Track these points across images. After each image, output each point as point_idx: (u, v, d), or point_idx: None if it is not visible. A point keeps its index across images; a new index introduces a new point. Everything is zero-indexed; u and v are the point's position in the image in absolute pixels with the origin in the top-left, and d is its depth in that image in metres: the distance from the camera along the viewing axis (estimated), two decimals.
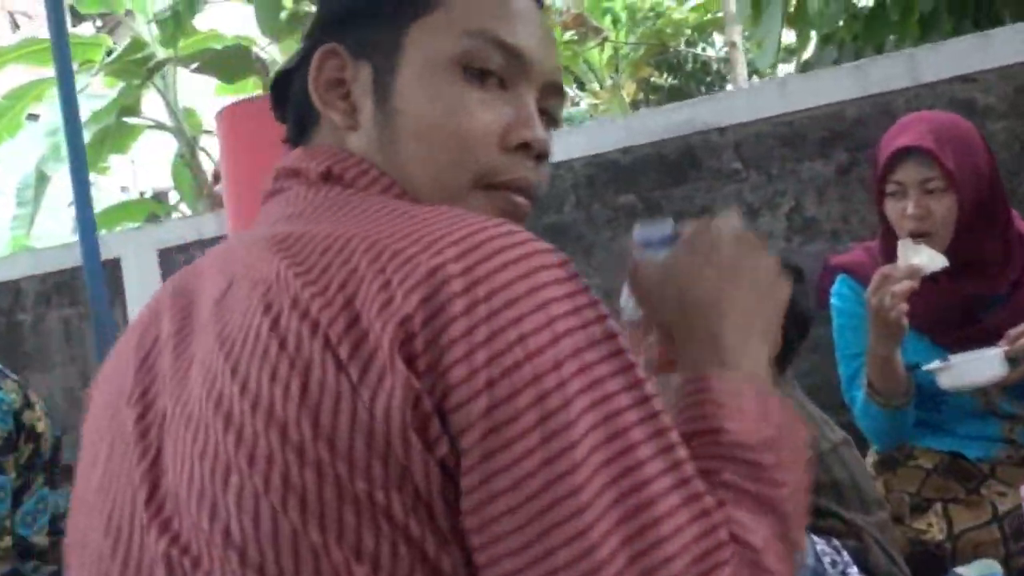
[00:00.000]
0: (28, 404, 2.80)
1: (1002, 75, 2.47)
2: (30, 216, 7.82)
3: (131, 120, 8.53)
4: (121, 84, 8.36)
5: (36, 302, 3.83)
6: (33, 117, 8.87)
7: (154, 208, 9.02)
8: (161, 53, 8.29)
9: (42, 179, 7.96)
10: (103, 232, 4.19)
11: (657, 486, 0.56)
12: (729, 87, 8.67)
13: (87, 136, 7.61)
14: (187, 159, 8.68)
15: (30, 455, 2.76)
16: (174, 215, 9.24)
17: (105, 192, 11.65)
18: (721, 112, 2.74)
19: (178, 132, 8.62)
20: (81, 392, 3.93)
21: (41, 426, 2.81)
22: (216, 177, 8.94)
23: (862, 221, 2.57)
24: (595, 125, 3.31)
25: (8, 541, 2.64)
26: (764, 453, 0.64)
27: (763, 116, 2.69)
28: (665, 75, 8.88)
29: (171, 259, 3.61)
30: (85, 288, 3.86)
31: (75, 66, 9.16)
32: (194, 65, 8.12)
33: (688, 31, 8.34)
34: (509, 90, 0.74)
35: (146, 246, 3.62)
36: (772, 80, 3.03)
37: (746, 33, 5.69)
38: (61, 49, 3.20)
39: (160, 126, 8.51)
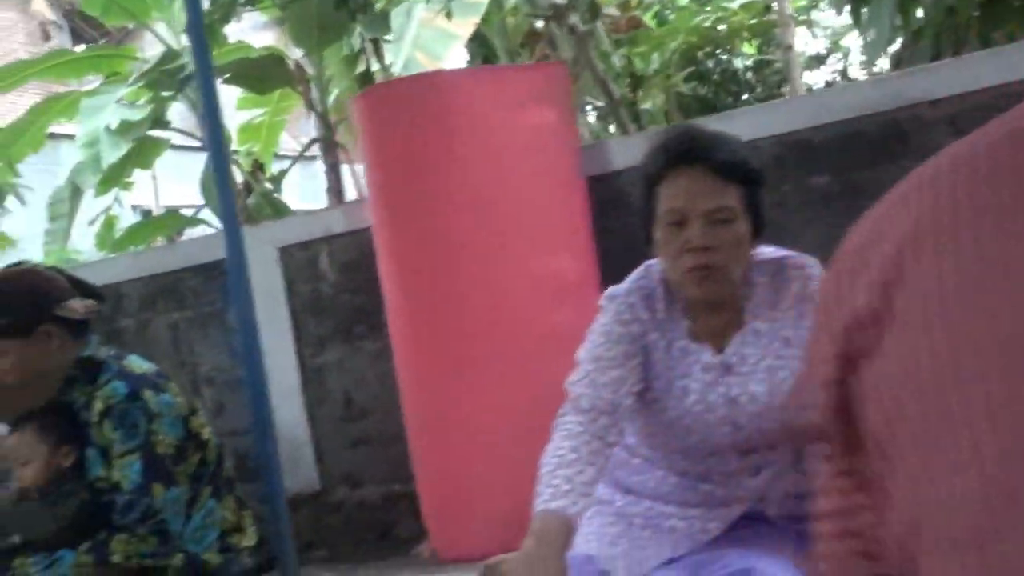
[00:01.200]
0: (193, 410, 2.51)
1: None
2: (65, 230, 7.48)
3: (157, 134, 8.22)
4: (143, 97, 8.06)
5: (141, 306, 3.53)
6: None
7: (185, 223, 8.68)
8: (192, 64, 7.99)
9: (76, 193, 7.63)
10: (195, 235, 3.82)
11: None
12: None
13: (122, 150, 7.31)
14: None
15: (198, 465, 2.47)
16: (200, 228, 8.91)
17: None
18: (933, 83, 2.53)
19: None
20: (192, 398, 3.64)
21: (206, 433, 2.52)
22: (248, 189, 8.62)
23: None
24: (784, 103, 3.07)
25: (180, 560, 2.34)
26: None
27: (982, 87, 2.48)
28: (694, 85, 8.67)
29: (293, 257, 3.34)
30: (191, 291, 3.58)
31: (100, 79, 8.82)
32: (225, 76, 7.84)
33: (721, 38, 8.13)
34: None
35: (265, 244, 3.34)
36: (995, 50, 2.79)
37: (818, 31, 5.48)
38: (201, 54, 2.93)
39: (193, 139, 8.19)
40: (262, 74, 7.90)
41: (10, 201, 8.05)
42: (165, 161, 9.50)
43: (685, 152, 1.70)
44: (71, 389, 2.45)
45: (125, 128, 7.08)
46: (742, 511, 1.76)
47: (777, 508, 1.76)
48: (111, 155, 6.96)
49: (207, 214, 9.06)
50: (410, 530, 3.22)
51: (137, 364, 2.55)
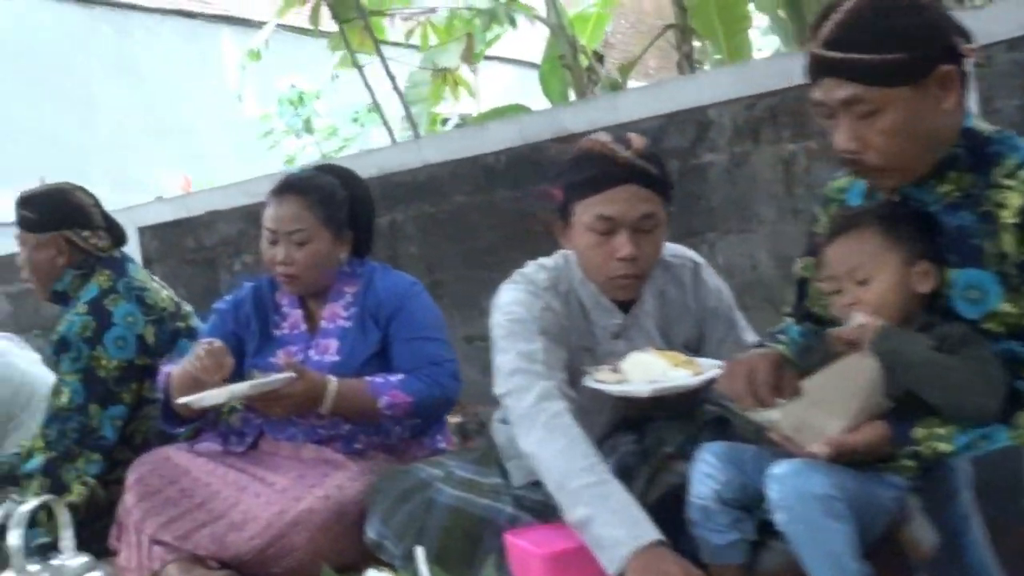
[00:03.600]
0: None
1: None
2: (427, 112, 6.89)
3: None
4: None
5: (735, 135, 2.68)
6: None
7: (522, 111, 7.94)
8: None
9: (436, 74, 7.01)
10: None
11: None
12: None
13: (503, 25, 6.54)
14: (568, 59, 7.58)
15: None
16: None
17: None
18: None
19: (560, 30, 7.54)
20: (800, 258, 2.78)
21: None
22: (591, 77, 7.82)
23: None
24: None
25: None
26: None
27: None
28: None
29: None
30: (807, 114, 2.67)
31: None
32: None
33: None
34: None
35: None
36: None
37: None
38: None
39: (540, 20, 7.42)
40: None
41: None
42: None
43: None
44: (939, 176, 1.59)
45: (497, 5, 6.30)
46: None
47: None
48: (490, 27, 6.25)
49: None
50: None
51: None
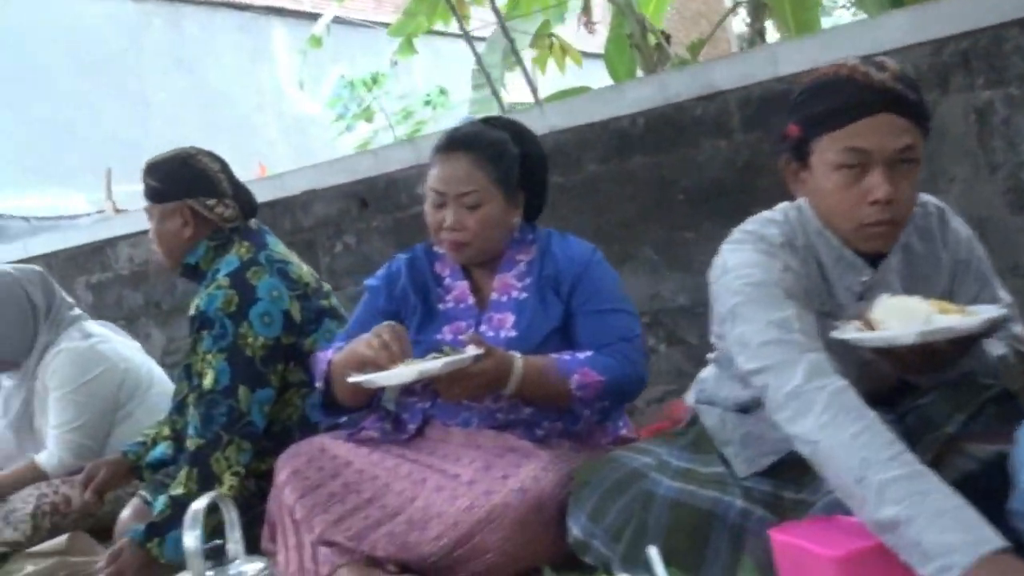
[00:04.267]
0: None
1: None
2: (491, 98, 6.63)
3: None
4: None
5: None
6: None
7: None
8: None
9: (506, 56, 6.75)
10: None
11: None
12: None
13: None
14: (636, 39, 7.32)
15: None
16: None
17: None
18: None
19: (628, 9, 7.27)
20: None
21: None
22: (659, 56, 7.56)
23: None
24: None
25: None
26: None
27: None
28: None
29: None
30: (1021, 54, 2.38)
31: None
32: None
33: None
34: None
35: None
36: None
37: None
38: None
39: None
40: None
41: None
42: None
43: None
44: None
45: None
46: None
47: None
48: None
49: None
50: None
51: None
